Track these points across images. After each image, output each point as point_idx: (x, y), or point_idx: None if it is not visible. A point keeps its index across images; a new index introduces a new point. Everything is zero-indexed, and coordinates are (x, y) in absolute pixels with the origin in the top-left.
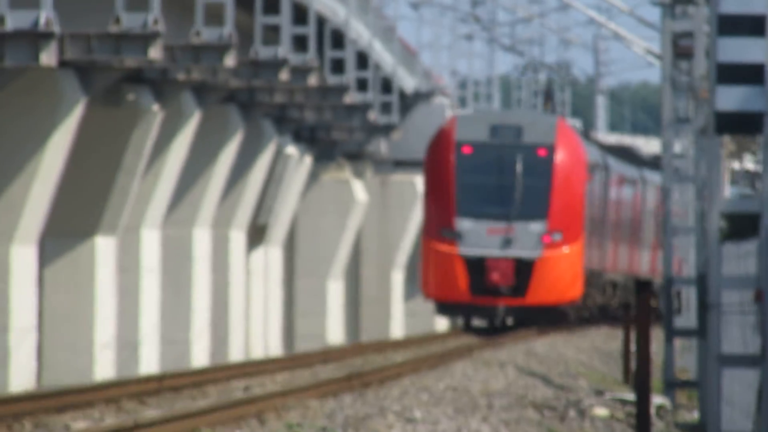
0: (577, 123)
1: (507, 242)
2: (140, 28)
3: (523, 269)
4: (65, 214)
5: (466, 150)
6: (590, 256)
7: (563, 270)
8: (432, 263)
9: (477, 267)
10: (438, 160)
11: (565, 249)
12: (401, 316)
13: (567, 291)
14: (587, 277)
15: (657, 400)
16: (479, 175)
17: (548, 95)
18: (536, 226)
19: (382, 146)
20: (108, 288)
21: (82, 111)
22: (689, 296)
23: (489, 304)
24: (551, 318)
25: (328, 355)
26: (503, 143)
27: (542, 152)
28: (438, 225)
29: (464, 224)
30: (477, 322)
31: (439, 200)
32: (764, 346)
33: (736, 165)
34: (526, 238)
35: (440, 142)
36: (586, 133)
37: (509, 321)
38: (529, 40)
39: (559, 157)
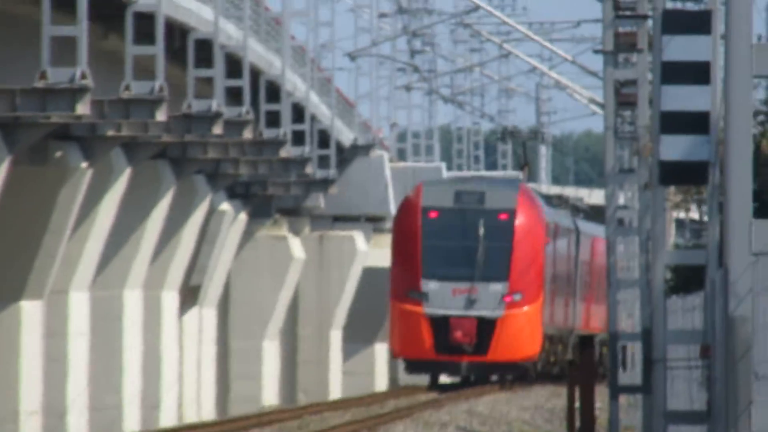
0: (520, 175)
1: (470, 302)
2: (67, 83)
3: (485, 328)
4: None
5: (432, 215)
6: (557, 315)
7: (523, 328)
8: (399, 323)
9: (441, 326)
10: (405, 224)
11: (525, 308)
12: (339, 376)
13: (526, 348)
14: (553, 335)
15: None
16: (444, 239)
17: (525, 161)
18: (498, 287)
19: (320, 201)
20: (34, 353)
21: (7, 169)
22: (635, 351)
23: (453, 360)
24: (512, 374)
25: (264, 418)
26: (467, 208)
27: (503, 217)
28: (405, 286)
29: (430, 285)
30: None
31: (406, 263)
32: (711, 402)
33: (681, 215)
34: (488, 298)
35: (407, 208)
36: (561, 197)
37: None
38: (470, 90)
39: (519, 221)
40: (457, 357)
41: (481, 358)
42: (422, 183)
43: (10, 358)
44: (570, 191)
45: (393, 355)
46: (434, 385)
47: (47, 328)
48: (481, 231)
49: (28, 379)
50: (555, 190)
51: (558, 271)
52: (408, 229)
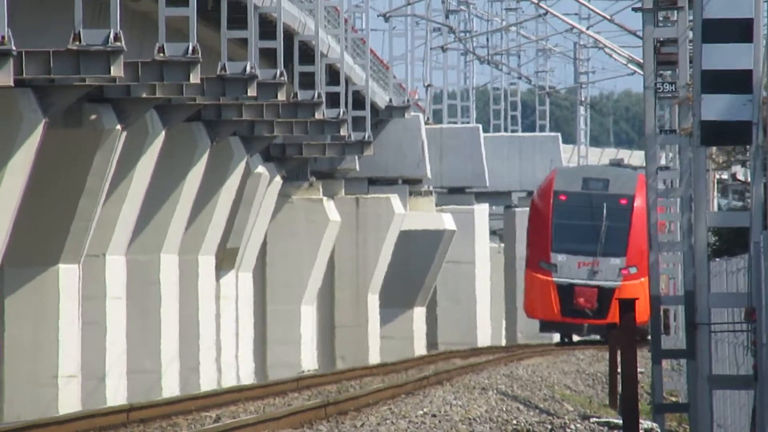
0: (558, 136)
1: (593, 273)
2: (101, 45)
3: (605, 295)
4: (26, 241)
5: (562, 197)
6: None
7: (637, 297)
8: (532, 289)
9: (568, 293)
10: (539, 205)
11: (641, 280)
12: (378, 340)
13: (640, 314)
14: None
15: (646, 423)
16: (572, 218)
17: None
18: (616, 261)
19: (355, 164)
20: (72, 317)
21: (42, 132)
22: (678, 315)
23: (576, 322)
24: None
25: (302, 382)
26: (592, 193)
27: (623, 201)
28: (537, 258)
29: (558, 258)
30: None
31: (539, 238)
32: (757, 366)
33: (725, 176)
34: (608, 270)
35: (542, 191)
36: None
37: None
38: (506, 51)
39: (637, 205)
40: (580, 320)
41: (601, 321)
42: (556, 169)
43: (48, 322)
44: (610, 153)
45: (527, 316)
46: (564, 343)
47: (84, 291)
48: (604, 213)
49: (66, 343)
50: (594, 151)
51: None
52: (541, 208)
